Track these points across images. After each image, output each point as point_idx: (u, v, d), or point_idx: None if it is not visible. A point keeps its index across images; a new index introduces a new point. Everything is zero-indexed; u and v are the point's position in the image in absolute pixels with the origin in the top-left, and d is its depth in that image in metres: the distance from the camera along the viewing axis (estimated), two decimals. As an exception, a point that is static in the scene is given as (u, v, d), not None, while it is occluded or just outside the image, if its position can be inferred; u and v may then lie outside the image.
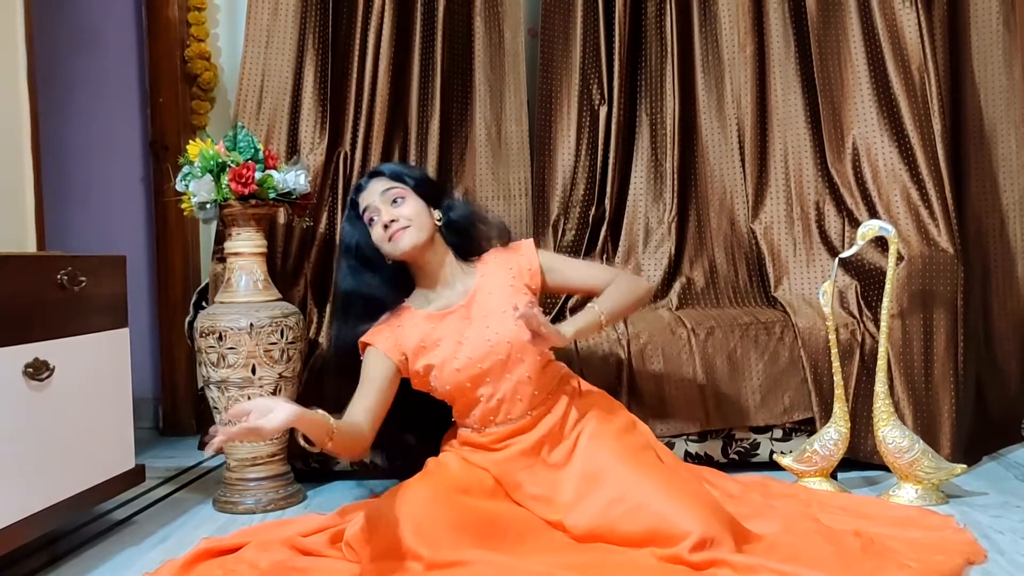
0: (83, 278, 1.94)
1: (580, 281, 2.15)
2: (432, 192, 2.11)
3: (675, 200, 2.79)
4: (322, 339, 2.45)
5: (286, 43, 2.66)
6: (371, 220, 2.01)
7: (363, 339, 2.01)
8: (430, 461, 2.00)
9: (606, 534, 1.75)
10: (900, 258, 2.38)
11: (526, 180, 2.79)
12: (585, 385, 2.12)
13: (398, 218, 1.98)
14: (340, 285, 2.08)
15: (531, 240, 2.16)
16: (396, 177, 2.06)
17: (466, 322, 1.98)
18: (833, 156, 2.68)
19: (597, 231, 2.78)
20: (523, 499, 1.90)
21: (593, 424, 1.96)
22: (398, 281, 2.07)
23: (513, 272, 2.05)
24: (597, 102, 2.79)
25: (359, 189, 2.09)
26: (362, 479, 2.47)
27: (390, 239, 1.97)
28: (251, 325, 2.19)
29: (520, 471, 1.93)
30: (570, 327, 1.94)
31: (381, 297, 2.04)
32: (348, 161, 2.72)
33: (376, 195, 2.02)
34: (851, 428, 2.27)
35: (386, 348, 1.97)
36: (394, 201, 2.00)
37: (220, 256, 2.42)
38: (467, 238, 2.11)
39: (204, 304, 2.45)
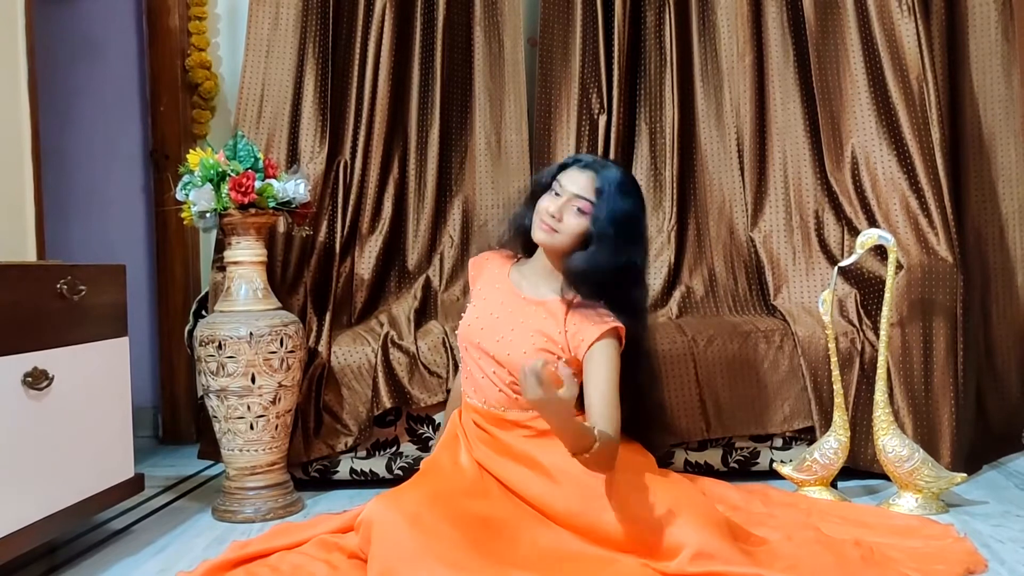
0: (83, 287, 1.94)
1: (588, 397, 1.85)
2: (626, 238, 1.94)
3: (674, 209, 2.80)
4: (321, 348, 2.45)
5: (286, 52, 2.67)
6: (556, 194, 1.96)
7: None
8: (424, 461, 2.04)
9: (590, 528, 1.76)
10: (899, 267, 2.38)
11: (526, 189, 2.78)
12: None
13: (557, 228, 1.94)
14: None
15: (616, 331, 1.89)
16: (598, 192, 1.93)
17: (510, 309, 2.01)
18: (832, 165, 2.68)
19: (597, 239, 2.78)
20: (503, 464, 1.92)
21: None
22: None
23: (569, 333, 1.93)
24: (596, 111, 2.79)
25: (578, 161, 2.01)
26: (361, 488, 2.47)
27: (542, 225, 1.96)
28: (251, 334, 2.19)
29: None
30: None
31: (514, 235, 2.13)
32: (348, 170, 2.72)
33: (576, 186, 1.94)
34: (851, 437, 2.27)
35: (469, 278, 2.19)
36: (578, 209, 1.93)
37: (220, 265, 2.42)
38: (590, 286, 1.97)
39: (204, 313, 2.45)
